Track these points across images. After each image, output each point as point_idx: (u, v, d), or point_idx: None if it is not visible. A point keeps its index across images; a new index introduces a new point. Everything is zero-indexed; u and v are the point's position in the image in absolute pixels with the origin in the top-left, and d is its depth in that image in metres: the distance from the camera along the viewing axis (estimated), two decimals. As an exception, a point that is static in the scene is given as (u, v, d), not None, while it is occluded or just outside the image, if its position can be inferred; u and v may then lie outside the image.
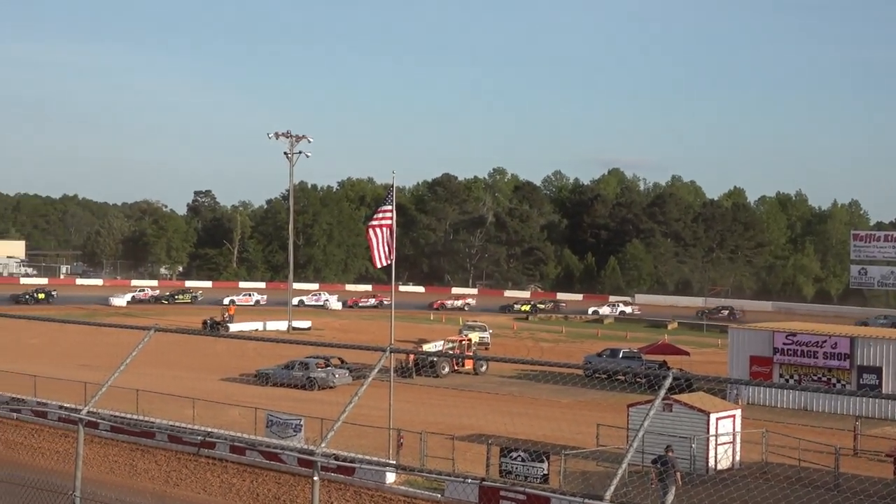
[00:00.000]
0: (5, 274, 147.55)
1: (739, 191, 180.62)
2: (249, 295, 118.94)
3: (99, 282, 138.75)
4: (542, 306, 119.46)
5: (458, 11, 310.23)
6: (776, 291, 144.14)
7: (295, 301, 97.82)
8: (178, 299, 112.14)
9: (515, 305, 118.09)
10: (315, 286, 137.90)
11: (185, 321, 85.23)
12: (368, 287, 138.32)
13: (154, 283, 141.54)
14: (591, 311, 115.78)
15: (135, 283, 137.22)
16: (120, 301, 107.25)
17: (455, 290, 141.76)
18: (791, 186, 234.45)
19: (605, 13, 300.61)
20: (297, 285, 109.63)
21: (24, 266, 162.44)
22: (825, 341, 51.66)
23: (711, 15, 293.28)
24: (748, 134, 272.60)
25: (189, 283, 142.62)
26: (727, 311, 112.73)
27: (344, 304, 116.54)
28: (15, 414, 40.75)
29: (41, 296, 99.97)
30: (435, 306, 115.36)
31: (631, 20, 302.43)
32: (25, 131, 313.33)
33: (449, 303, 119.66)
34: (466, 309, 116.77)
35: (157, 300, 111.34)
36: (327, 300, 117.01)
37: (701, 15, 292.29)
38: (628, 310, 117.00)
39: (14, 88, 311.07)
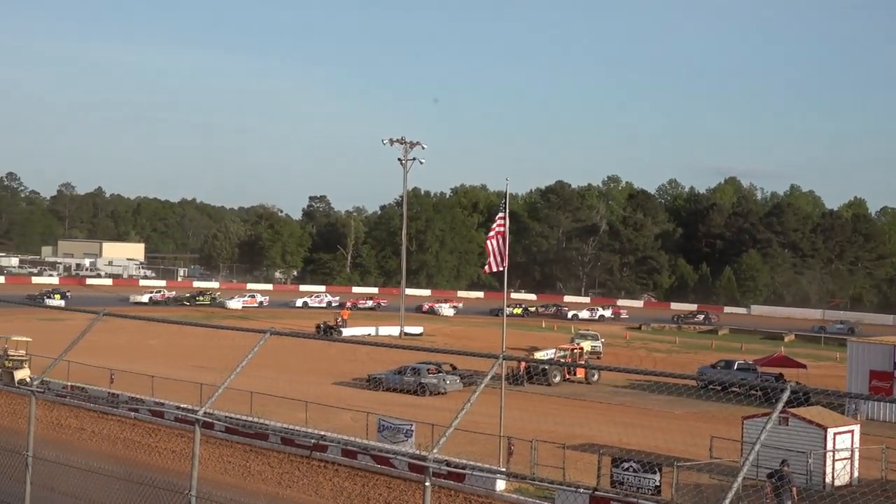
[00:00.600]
0: (125, 276, 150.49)
1: (860, 201, 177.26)
2: (320, 297, 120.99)
3: (215, 285, 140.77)
4: (542, 310, 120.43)
5: (573, 19, 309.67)
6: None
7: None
8: (198, 301, 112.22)
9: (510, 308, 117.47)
10: (427, 292, 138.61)
11: (299, 325, 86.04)
12: (480, 294, 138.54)
13: (269, 286, 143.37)
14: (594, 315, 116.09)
15: (250, 286, 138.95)
16: (143, 299, 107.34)
17: (567, 299, 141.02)
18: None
19: (722, 18, 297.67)
20: (408, 291, 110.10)
21: (142, 269, 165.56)
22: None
23: (833, 17, 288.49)
24: (870, 142, 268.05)
25: (303, 287, 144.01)
26: (844, 325, 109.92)
27: (334, 305, 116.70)
28: (133, 413, 41.52)
29: (57, 297, 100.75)
30: (424, 309, 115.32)
31: (749, 24, 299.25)
32: (146, 135, 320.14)
33: (437, 305, 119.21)
34: (454, 312, 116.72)
35: (177, 301, 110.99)
36: (378, 304, 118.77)
37: (822, 17, 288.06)
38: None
39: (136, 93, 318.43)
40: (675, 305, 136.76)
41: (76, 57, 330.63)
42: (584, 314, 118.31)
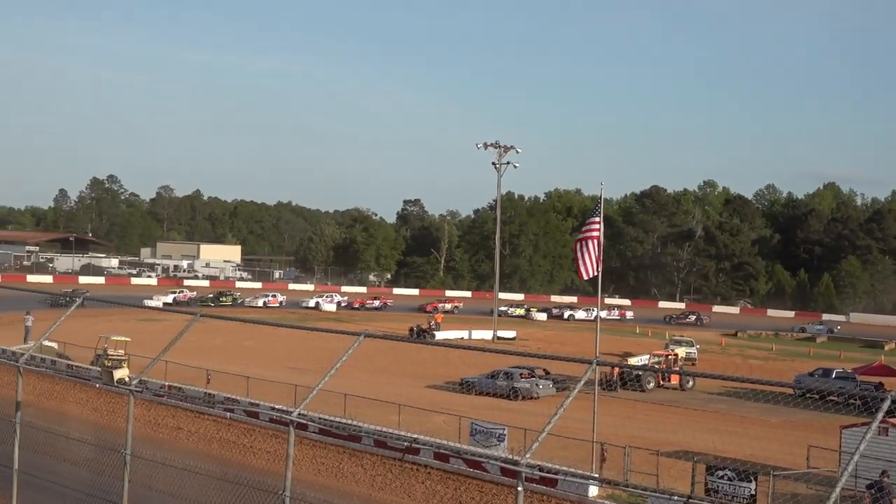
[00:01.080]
0: (221, 277, 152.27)
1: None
2: (331, 297, 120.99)
3: (310, 287, 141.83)
4: (532, 310, 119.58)
5: (669, 20, 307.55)
6: None
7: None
8: (221, 301, 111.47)
9: (510, 309, 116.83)
10: (520, 296, 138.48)
11: (393, 327, 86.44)
12: (574, 298, 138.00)
13: (363, 289, 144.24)
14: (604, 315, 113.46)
15: (344, 289, 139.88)
16: (156, 303, 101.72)
17: (662, 305, 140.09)
18: None
19: (822, 20, 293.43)
20: (501, 295, 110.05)
21: (239, 270, 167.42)
22: None
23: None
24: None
25: (396, 290, 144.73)
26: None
27: (343, 306, 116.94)
28: (229, 413, 42.02)
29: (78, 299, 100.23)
30: (428, 308, 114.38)
31: (848, 28, 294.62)
32: (244, 138, 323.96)
33: (440, 305, 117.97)
34: (455, 312, 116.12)
35: (201, 302, 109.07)
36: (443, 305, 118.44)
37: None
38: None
39: (235, 97, 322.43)
40: (770, 312, 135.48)
41: (176, 60, 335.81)
42: (581, 314, 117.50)
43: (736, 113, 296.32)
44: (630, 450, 33.09)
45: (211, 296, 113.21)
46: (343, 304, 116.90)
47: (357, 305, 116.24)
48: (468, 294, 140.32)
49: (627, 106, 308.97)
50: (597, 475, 31.29)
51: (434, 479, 33.67)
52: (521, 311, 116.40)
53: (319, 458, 35.15)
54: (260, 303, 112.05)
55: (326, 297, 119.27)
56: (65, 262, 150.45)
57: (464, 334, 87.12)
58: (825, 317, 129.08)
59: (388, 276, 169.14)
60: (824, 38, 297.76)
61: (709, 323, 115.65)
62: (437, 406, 44.78)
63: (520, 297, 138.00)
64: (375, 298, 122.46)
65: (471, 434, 37.18)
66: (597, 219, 38.08)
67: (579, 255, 37.30)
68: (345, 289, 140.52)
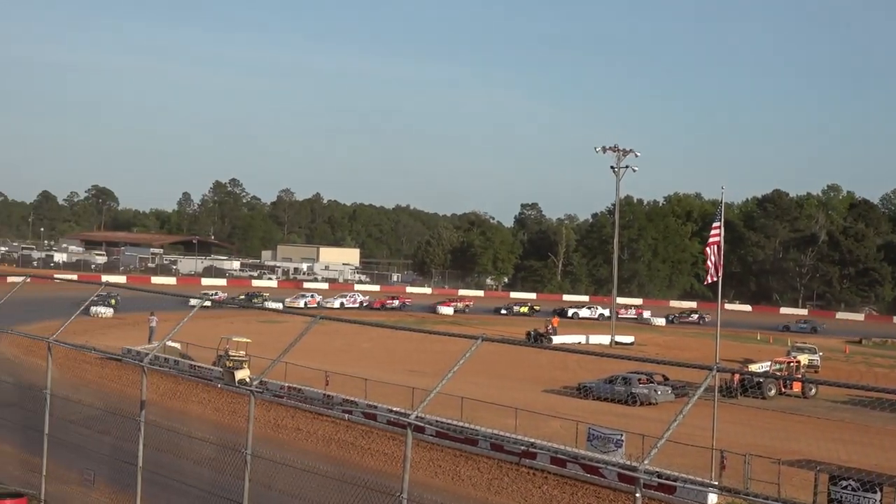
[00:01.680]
0: (340, 280, 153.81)
1: None
2: (353, 297, 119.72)
3: (428, 290, 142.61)
4: (537, 308, 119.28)
5: (791, 22, 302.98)
6: None
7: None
8: (254, 302, 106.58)
9: (515, 307, 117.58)
10: (639, 301, 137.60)
11: (510, 331, 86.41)
12: (693, 304, 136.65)
13: (481, 293, 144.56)
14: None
15: (461, 292, 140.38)
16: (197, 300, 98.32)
17: (784, 311, 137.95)
18: None
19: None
20: (620, 300, 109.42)
21: (357, 273, 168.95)
22: None
23: None
24: None
25: (514, 294, 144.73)
26: None
27: (364, 305, 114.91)
28: (347, 415, 42.43)
29: (113, 301, 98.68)
30: (445, 305, 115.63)
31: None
32: (362, 142, 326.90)
33: (453, 304, 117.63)
34: (466, 311, 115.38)
35: (233, 303, 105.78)
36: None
37: None
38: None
39: (353, 101, 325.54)
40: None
41: (297, 65, 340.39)
42: (585, 312, 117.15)
43: (861, 115, 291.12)
44: (750, 458, 32.70)
45: (242, 297, 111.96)
46: (364, 304, 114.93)
47: (378, 306, 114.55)
48: (586, 298, 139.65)
49: (748, 108, 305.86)
50: (716, 483, 30.96)
51: (551, 484, 33.64)
52: (525, 310, 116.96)
53: (436, 460, 35.32)
54: (336, 304, 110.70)
55: (350, 296, 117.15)
56: (188, 264, 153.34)
57: (581, 339, 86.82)
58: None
59: (506, 279, 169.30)
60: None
61: (823, 331, 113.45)
62: (553, 410, 44.67)
63: (638, 301, 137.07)
64: (394, 298, 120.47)
65: (588, 439, 37.04)
66: (717, 223, 38.22)
67: (708, 258, 37.85)
68: (462, 292, 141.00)
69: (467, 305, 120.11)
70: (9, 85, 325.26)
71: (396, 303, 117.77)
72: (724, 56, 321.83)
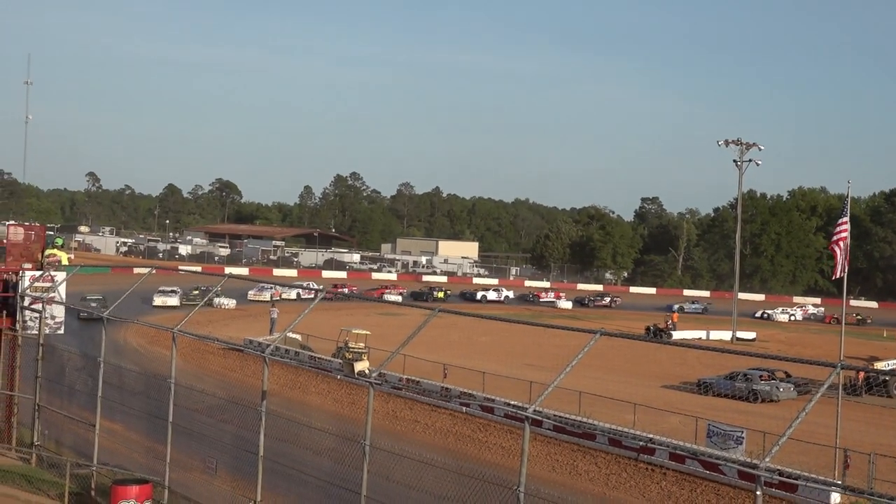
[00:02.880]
0: (459, 273, 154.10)
1: None
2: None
3: (546, 284, 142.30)
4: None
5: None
6: None
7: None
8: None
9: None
10: (761, 297, 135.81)
11: (629, 326, 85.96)
12: (818, 300, 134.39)
13: (600, 286, 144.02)
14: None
15: (580, 286, 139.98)
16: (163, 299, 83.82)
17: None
18: None
19: None
20: (742, 296, 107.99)
21: (476, 267, 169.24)
22: None
23: None
24: None
25: (633, 289, 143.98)
26: None
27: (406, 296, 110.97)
28: (464, 408, 42.61)
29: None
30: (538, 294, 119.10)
31: None
32: (481, 137, 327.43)
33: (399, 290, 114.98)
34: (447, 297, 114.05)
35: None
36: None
37: None
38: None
39: (472, 95, 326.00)
40: None
41: (417, 61, 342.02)
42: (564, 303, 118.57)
43: None
44: (875, 457, 32.12)
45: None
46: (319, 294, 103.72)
47: (329, 297, 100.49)
48: (707, 294, 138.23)
49: (874, 101, 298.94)
50: (839, 482, 30.49)
51: (669, 480, 33.46)
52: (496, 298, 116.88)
53: (553, 454, 35.33)
54: (293, 294, 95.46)
55: (305, 285, 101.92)
56: (309, 256, 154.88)
57: (701, 334, 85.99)
58: None
59: (625, 274, 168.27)
60: None
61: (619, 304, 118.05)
62: (672, 406, 44.41)
63: (760, 297, 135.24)
64: (344, 286, 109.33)
65: (707, 436, 36.74)
66: (844, 219, 37.82)
67: (836, 254, 37.66)
68: (580, 286, 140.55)
69: (447, 291, 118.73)
70: (139, 84, 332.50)
71: (346, 290, 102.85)
72: (849, 48, 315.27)
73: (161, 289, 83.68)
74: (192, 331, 27.78)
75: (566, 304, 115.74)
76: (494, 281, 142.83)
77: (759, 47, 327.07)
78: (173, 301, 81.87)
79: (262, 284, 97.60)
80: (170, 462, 23.83)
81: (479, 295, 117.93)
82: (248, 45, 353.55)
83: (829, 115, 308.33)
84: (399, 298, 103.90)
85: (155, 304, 78.88)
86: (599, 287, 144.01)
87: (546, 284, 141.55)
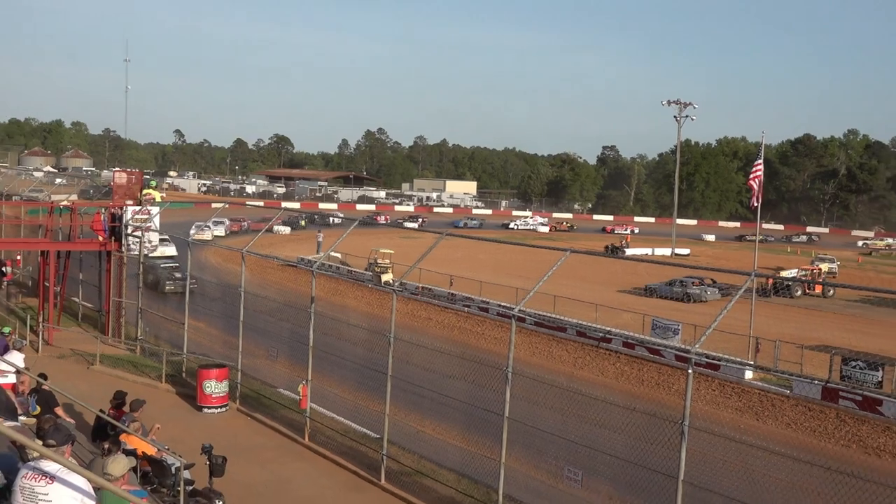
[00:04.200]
0: (462, 206, 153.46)
1: None
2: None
3: (528, 213, 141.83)
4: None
5: None
6: None
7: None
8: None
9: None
10: (694, 222, 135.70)
11: (591, 245, 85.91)
12: (738, 224, 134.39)
13: (570, 215, 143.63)
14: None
15: (555, 215, 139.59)
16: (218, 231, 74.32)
17: (810, 229, 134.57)
18: None
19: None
20: (679, 221, 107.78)
21: (475, 200, 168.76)
22: None
23: None
24: None
25: (595, 217, 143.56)
26: None
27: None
28: (466, 308, 42.79)
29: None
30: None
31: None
32: (481, 98, 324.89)
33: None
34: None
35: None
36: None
37: None
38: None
39: (471, 65, 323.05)
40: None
41: (428, 38, 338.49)
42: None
43: (881, 68, 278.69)
44: (779, 343, 32.33)
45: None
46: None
47: (235, 229, 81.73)
48: (653, 220, 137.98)
49: (786, 63, 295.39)
50: (752, 363, 30.75)
51: (622, 362, 33.69)
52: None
53: (534, 343, 35.52)
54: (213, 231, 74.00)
55: (224, 223, 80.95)
56: (346, 193, 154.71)
57: (648, 251, 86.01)
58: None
59: (589, 205, 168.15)
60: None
61: (818, 242, 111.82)
62: (625, 306, 44.59)
63: (693, 222, 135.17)
64: (244, 220, 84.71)
65: (652, 328, 36.97)
66: (759, 161, 38.36)
67: (754, 188, 38.24)
68: (555, 215, 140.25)
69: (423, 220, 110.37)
70: (214, 57, 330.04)
71: (246, 224, 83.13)
72: (776, 22, 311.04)
73: (197, 223, 68.19)
74: (256, 251, 27.88)
75: (544, 229, 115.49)
76: (489, 211, 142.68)
77: (697, 21, 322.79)
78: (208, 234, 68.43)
79: (206, 224, 73.94)
80: (241, 351, 24.07)
81: (511, 224, 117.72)
82: (293, 24, 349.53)
83: (749, 76, 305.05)
84: (416, 225, 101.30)
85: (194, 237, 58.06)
86: (570, 216, 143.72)
87: (528, 213, 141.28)
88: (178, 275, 41.25)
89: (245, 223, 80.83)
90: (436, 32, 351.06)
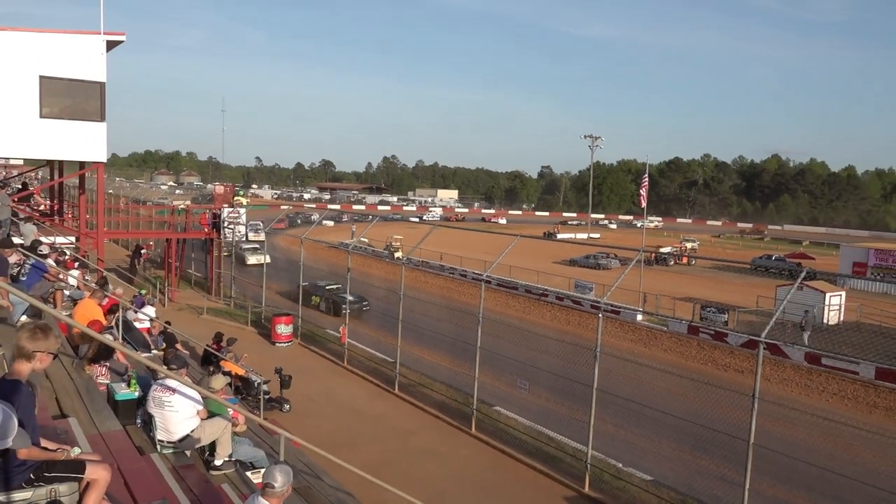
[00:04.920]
0: (448, 206, 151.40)
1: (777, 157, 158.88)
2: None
3: (493, 211, 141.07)
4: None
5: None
6: None
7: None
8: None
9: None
10: (602, 216, 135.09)
11: (534, 232, 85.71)
12: (631, 217, 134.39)
13: (520, 212, 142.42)
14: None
15: (510, 212, 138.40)
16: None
17: (679, 220, 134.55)
18: None
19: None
20: (593, 215, 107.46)
21: (455, 202, 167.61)
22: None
23: None
24: None
25: (537, 213, 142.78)
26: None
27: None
28: (450, 274, 42.52)
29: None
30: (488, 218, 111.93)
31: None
32: (460, 134, 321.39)
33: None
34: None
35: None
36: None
37: None
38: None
39: (452, 110, 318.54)
40: (739, 224, 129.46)
41: (421, 82, 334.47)
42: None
43: (725, 110, 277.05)
44: (659, 296, 32.35)
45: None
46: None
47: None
48: (575, 215, 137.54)
49: (663, 107, 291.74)
50: (641, 309, 30.76)
51: (555, 309, 33.62)
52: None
53: (497, 298, 35.35)
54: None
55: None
56: (371, 199, 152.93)
57: (572, 235, 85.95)
58: (770, 227, 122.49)
59: (533, 205, 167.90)
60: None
61: (662, 227, 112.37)
62: (558, 272, 44.54)
63: (602, 216, 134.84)
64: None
65: (575, 287, 36.92)
66: (645, 175, 38.41)
67: (641, 194, 38.23)
68: (510, 212, 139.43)
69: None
70: (283, 106, 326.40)
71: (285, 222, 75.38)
72: (655, 75, 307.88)
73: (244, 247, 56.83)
74: (311, 237, 27.73)
75: (503, 221, 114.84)
76: (466, 210, 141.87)
77: (602, 83, 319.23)
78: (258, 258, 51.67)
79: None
80: (301, 304, 23.99)
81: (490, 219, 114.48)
82: (332, 82, 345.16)
83: (638, 118, 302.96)
84: (417, 219, 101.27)
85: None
86: (520, 212, 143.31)
87: (493, 211, 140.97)
88: (258, 254, 41.03)
89: (291, 217, 78.47)
90: (432, 92, 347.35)
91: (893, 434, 15.23)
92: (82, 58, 20.33)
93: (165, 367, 8.12)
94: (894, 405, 20.62)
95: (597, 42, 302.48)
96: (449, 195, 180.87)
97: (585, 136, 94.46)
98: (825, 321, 30.09)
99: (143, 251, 35.35)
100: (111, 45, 20.92)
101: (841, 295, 32.02)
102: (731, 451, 11.39)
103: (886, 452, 13.41)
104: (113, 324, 11.72)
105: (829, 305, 30.76)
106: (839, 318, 31.20)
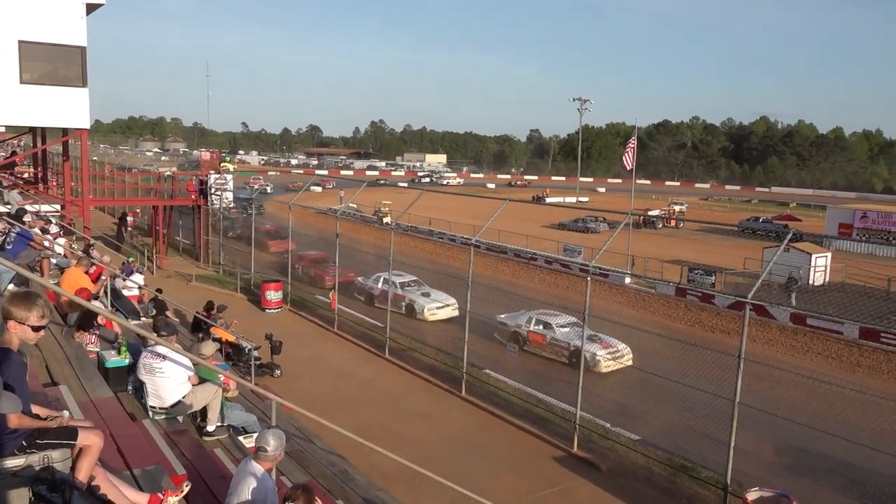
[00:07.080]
0: (436, 171, 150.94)
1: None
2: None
3: (481, 175, 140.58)
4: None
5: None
6: None
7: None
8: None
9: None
10: (591, 179, 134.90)
11: (523, 196, 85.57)
12: (620, 180, 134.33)
13: (508, 176, 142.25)
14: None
15: (499, 176, 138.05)
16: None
17: (668, 183, 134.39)
18: None
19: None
20: (582, 179, 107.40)
21: (444, 167, 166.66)
22: (887, 216, 46.02)
23: None
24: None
25: (526, 177, 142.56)
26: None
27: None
28: (440, 238, 42.44)
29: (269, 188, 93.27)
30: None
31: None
32: (448, 99, 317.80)
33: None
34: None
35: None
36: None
37: None
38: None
39: (443, 81, 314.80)
40: (728, 187, 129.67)
41: (408, 59, 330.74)
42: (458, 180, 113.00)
43: (715, 72, 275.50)
44: (647, 259, 32.54)
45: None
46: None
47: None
48: (564, 179, 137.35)
49: (653, 70, 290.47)
50: (629, 272, 30.92)
51: (544, 272, 33.77)
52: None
53: (486, 262, 35.35)
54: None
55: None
56: (359, 164, 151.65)
57: (561, 199, 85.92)
58: (758, 189, 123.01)
59: (522, 169, 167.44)
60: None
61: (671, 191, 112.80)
62: (547, 236, 44.62)
63: (590, 180, 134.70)
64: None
65: (564, 250, 37.08)
66: (633, 138, 38.49)
67: (626, 157, 38.35)
68: (499, 176, 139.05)
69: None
70: (270, 71, 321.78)
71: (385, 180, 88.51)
72: (650, 39, 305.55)
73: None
74: (300, 203, 27.59)
75: (492, 186, 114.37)
76: (454, 174, 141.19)
77: (594, 46, 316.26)
78: None
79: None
80: (290, 270, 23.95)
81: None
82: (319, 46, 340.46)
83: (628, 80, 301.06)
84: (406, 184, 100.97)
85: None
86: (508, 177, 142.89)
87: (481, 176, 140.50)
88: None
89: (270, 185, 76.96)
90: (419, 56, 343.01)
91: (875, 392, 15.53)
92: (62, 22, 19.91)
93: (155, 335, 8.12)
94: (877, 364, 20.98)
95: (585, 4, 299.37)
96: (437, 160, 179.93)
97: (574, 99, 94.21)
98: (811, 282, 30.41)
99: (129, 218, 35.10)
100: (91, 9, 20.48)
101: (826, 256, 32.33)
102: (717, 410, 11.59)
103: (868, 409, 13.68)
104: (101, 292, 11.69)
105: (814, 267, 31.07)
106: (825, 279, 31.53)
